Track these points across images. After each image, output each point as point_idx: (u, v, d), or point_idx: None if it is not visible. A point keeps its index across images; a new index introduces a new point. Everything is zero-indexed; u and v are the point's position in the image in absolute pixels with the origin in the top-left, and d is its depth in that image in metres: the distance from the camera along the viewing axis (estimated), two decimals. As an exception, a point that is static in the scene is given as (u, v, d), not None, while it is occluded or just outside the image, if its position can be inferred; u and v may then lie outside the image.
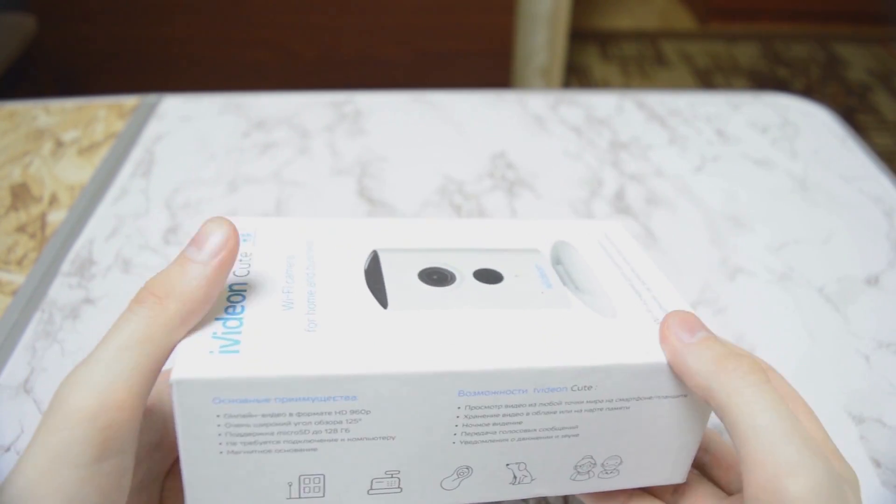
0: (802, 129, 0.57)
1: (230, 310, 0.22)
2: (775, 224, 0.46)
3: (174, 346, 0.20)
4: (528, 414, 0.22)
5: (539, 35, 1.66)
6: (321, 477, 0.21)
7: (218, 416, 0.19)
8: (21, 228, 0.45)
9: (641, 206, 0.48)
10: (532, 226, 0.30)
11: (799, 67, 2.15)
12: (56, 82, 1.43)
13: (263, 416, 0.19)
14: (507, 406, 0.21)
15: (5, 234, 0.44)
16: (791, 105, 0.60)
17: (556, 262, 0.27)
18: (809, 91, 2.00)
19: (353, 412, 0.20)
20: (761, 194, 0.49)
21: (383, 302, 0.23)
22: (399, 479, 0.22)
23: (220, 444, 0.20)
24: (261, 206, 0.47)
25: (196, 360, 0.19)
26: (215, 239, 0.21)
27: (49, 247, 0.43)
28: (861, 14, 2.35)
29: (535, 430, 0.22)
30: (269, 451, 0.20)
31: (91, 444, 0.17)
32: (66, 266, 0.42)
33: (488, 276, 0.26)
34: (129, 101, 0.58)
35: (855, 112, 1.91)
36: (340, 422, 0.20)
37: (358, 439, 0.20)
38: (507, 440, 0.22)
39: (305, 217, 0.28)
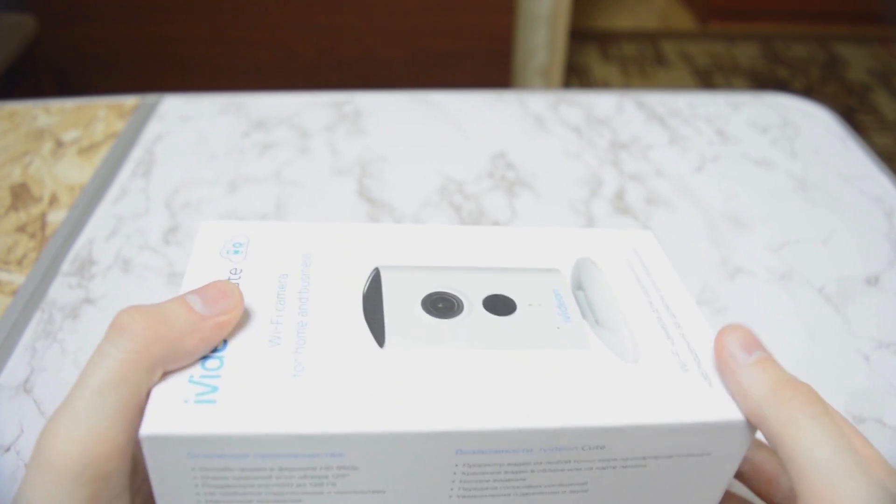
0: (802, 129, 0.57)
1: (209, 365, 0.20)
2: (775, 224, 0.46)
3: (153, 385, 0.19)
4: (532, 472, 0.20)
5: (539, 35, 1.66)
6: None
7: (194, 469, 0.18)
8: (21, 228, 0.45)
9: (641, 206, 0.48)
10: (554, 235, 0.27)
11: (799, 67, 2.15)
12: (56, 82, 1.43)
13: (243, 469, 0.18)
14: (509, 464, 0.20)
15: (5, 234, 0.44)
16: (791, 105, 0.60)
17: (578, 286, 0.25)
18: (809, 91, 2.00)
19: (339, 468, 0.19)
20: (761, 194, 0.49)
21: (380, 337, 0.21)
22: None
23: (198, 494, 0.19)
24: (261, 206, 0.47)
25: (169, 412, 0.18)
26: (225, 302, 0.20)
27: (49, 247, 0.43)
28: (861, 14, 2.35)
29: (539, 486, 0.21)
30: (251, 502, 0.19)
31: (80, 499, 0.17)
32: (66, 266, 0.42)
33: (499, 306, 0.23)
34: (129, 101, 0.58)
35: (855, 112, 1.91)
36: (326, 476, 0.19)
37: (346, 492, 0.19)
38: (509, 495, 0.21)
39: (304, 223, 0.26)
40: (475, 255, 0.26)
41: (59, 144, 0.53)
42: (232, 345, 0.20)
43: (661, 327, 0.23)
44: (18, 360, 0.36)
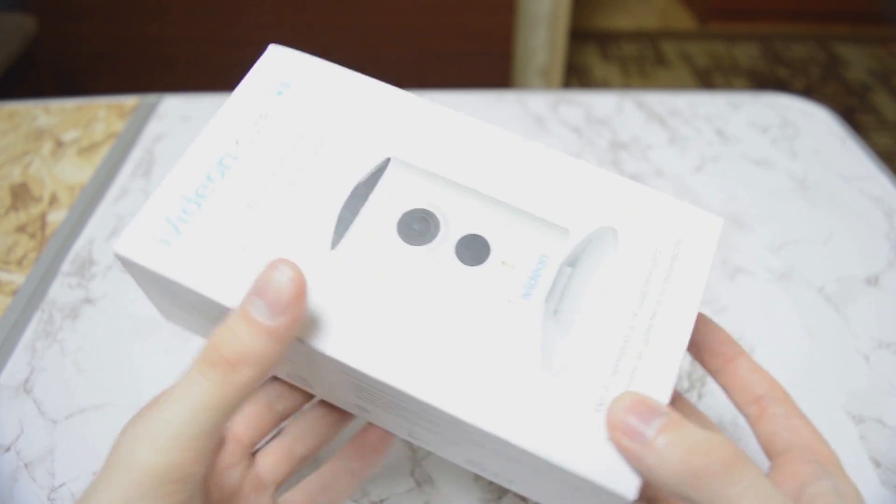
0: (802, 129, 0.57)
1: (200, 190, 0.22)
2: (775, 224, 0.46)
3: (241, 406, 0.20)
4: (421, 420, 0.21)
5: (539, 35, 1.66)
6: None
7: (156, 283, 0.22)
8: (21, 228, 0.45)
9: (641, 206, 0.48)
10: (612, 183, 0.23)
11: (799, 67, 2.15)
12: (56, 82, 1.43)
13: (185, 299, 0.22)
14: (402, 404, 0.20)
15: (5, 234, 0.44)
16: (791, 105, 0.60)
17: (573, 260, 0.21)
18: (809, 91, 2.00)
19: None
20: (761, 194, 0.49)
21: (337, 239, 0.21)
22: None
23: (163, 297, 0.23)
24: (261, 206, 0.47)
25: (138, 239, 0.21)
26: (283, 294, 0.19)
27: (49, 247, 0.43)
28: (861, 14, 2.35)
29: (408, 410, 0.20)
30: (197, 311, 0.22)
31: (157, 501, 0.18)
32: (66, 266, 0.42)
33: (472, 250, 0.21)
34: (129, 101, 0.58)
35: (855, 112, 1.91)
36: None
37: None
38: (386, 407, 0.21)
39: (363, 79, 0.24)
40: (506, 176, 0.22)
41: (59, 144, 0.53)
42: (215, 196, 0.22)
43: (619, 350, 0.20)
44: (18, 360, 0.36)
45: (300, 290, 0.19)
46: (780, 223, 0.47)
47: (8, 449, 0.31)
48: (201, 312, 0.22)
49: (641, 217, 0.22)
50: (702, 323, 0.24)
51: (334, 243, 0.21)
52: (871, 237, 0.45)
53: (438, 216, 0.22)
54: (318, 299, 0.20)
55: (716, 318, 0.39)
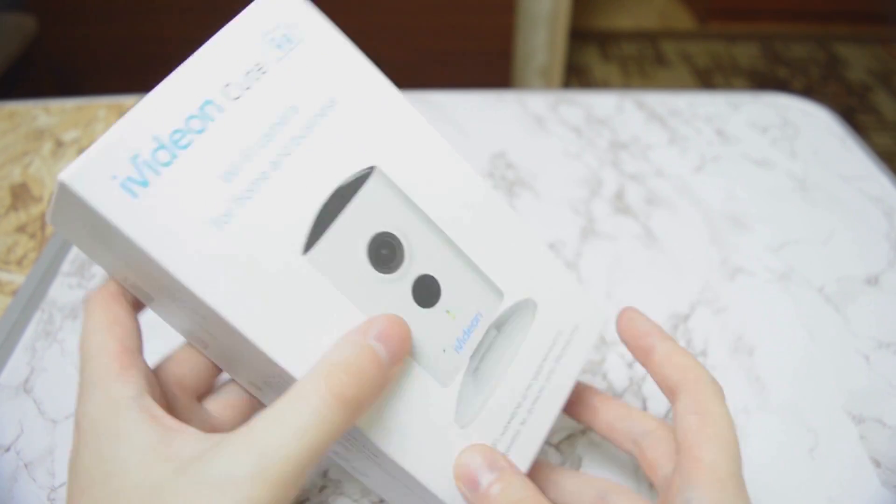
0: (802, 129, 0.57)
1: (179, 135, 0.19)
2: (775, 224, 0.46)
3: None
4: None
5: (539, 35, 1.66)
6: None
7: (89, 230, 0.19)
8: (21, 228, 0.45)
9: (641, 206, 0.48)
10: (546, 257, 0.25)
11: (799, 67, 2.15)
12: (56, 82, 1.43)
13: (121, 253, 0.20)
14: None
15: (5, 234, 0.44)
16: (791, 105, 0.60)
17: (500, 324, 0.24)
18: (809, 91, 2.00)
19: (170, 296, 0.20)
20: (761, 194, 0.49)
21: (310, 243, 0.20)
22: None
23: (81, 244, 0.21)
24: (261, 206, 0.47)
25: (95, 175, 0.18)
26: (401, 347, 0.20)
27: (49, 247, 0.43)
28: (861, 14, 2.35)
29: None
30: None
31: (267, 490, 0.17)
32: (66, 266, 0.42)
33: (426, 292, 0.22)
34: (129, 101, 0.58)
35: (855, 112, 1.91)
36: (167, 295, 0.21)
37: (181, 307, 0.21)
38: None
39: (362, 58, 0.23)
40: (468, 219, 0.24)
41: (59, 144, 0.53)
42: (191, 154, 0.19)
43: (511, 415, 0.23)
44: (18, 360, 0.36)
45: (408, 349, 0.21)
46: (780, 223, 0.47)
47: (8, 449, 0.31)
48: (136, 270, 0.20)
49: (556, 297, 0.25)
50: (628, 315, 0.26)
51: (307, 247, 0.20)
52: (871, 237, 0.45)
53: (405, 247, 0.22)
54: (282, 303, 0.20)
55: (716, 318, 0.39)
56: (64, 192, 0.18)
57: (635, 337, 0.25)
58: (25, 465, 0.31)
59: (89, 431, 0.19)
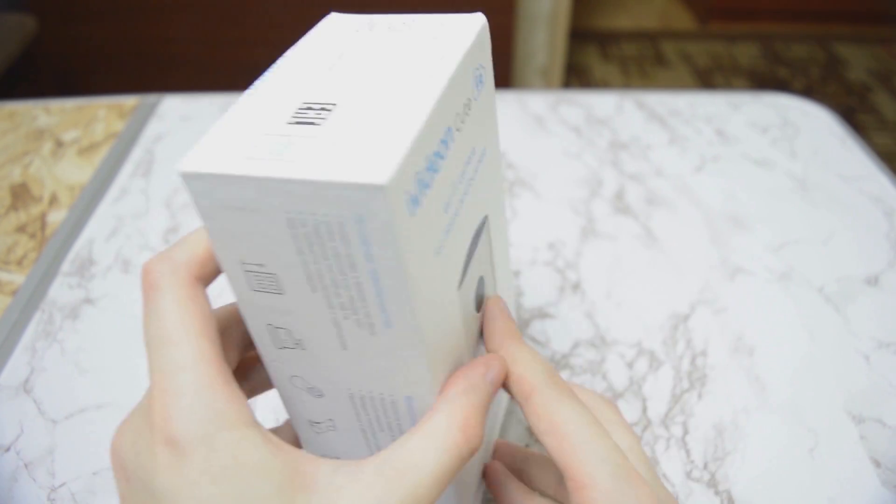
0: (802, 129, 0.57)
1: (436, 158, 0.19)
2: (775, 224, 0.46)
3: None
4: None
5: (539, 35, 1.66)
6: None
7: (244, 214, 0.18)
8: (21, 228, 0.45)
9: (641, 206, 0.48)
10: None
11: (799, 67, 2.15)
12: (56, 82, 1.43)
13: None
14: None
15: (5, 234, 0.44)
16: (791, 105, 0.60)
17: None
18: (809, 91, 2.00)
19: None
20: (761, 194, 0.49)
21: (461, 280, 0.22)
22: None
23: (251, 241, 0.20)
24: (261, 206, 0.47)
25: (396, 191, 0.17)
26: (500, 385, 0.22)
27: (49, 247, 0.43)
28: (861, 14, 2.35)
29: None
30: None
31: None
32: (66, 266, 0.42)
33: (480, 302, 0.25)
34: (129, 101, 0.58)
35: (855, 112, 1.91)
36: None
37: None
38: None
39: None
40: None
41: (59, 144, 0.53)
42: (438, 179, 0.19)
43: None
44: (18, 360, 0.36)
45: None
46: (780, 223, 0.47)
47: (8, 449, 0.31)
48: (331, 279, 0.19)
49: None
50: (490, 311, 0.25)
51: (459, 283, 0.22)
52: (871, 237, 0.45)
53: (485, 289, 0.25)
54: (442, 332, 0.21)
55: (716, 319, 0.39)
56: (358, 198, 0.16)
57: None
58: (25, 465, 0.31)
59: (197, 452, 0.16)
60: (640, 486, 0.20)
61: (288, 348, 0.21)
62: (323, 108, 0.19)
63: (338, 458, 0.24)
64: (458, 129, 0.20)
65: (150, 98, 0.59)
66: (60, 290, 0.40)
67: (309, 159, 0.17)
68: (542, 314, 0.39)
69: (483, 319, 0.25)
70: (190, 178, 0.17)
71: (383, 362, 0.21)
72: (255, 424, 0.17)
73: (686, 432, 0.33)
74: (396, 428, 0.23)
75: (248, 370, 0.24)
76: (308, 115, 0.19)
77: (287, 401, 0.23)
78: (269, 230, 0.18)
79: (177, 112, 0.57)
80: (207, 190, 0.17)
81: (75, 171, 0.50)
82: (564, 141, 0.55)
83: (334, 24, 0.24)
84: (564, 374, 0.36)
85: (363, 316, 0.20)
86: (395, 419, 0.22)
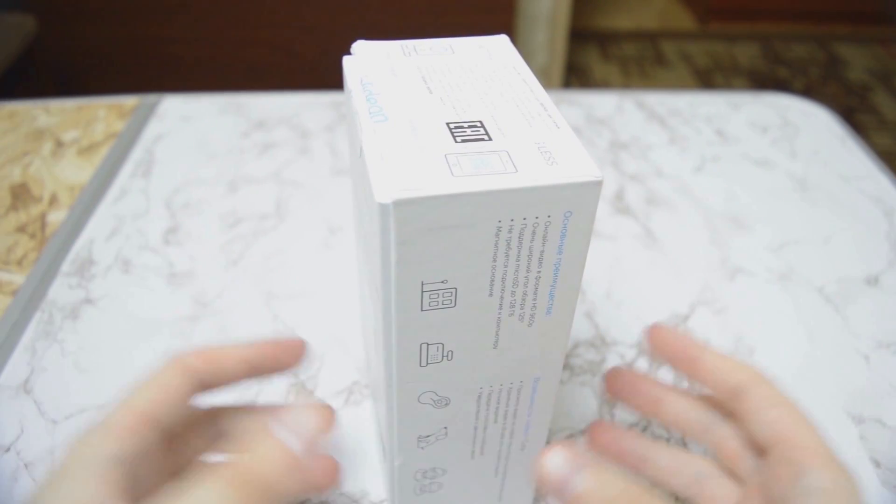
0: (802, 129, 0.57)
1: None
2: (775, 224, 0.46)
3: None
4: None
5: (539, 35, 1.66)
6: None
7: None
8: (21, 228, 0.45)
9: (641, 206, 0.48)
10: None
11: (799, 67, 2.15)
12: (56, 82, 1.43)
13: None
14: None
15: (5, 234, 0.44)
16: (791, 105, 0.60)
17: None
18: (809, 91, 2.00)
19: None
20: (761, 194, 0.49)
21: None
22: None
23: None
24: (261, 206, 0.47)
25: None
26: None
27: (49, 247, 0.43)
28: (861, 14, 2.35)
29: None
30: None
31: None
32: (66, 266, 0.42)
33: None
34: (129, 101, 0.58)
35: (855, 112, 1.91)
36: None
37: None
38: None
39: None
40: None
41: (59, 144, 0.53)
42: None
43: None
44: (18, 360, 0.36)
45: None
46: (780, 223, 0.47)
47: (8, 449, 0.31)
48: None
49: None
50: (661, 332, 0.25)
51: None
52: (871, 237, 0.45)
53: None
54: None
55: (716, 319, 0.39)
56: (574, 195, 0.18)
57: (675, 351, 0.25)
58: (25, 465, 0.31)
59: (63, 459, 0.20)
60: (849, 473, 0.21)
61: (434, 363, 0.21)
62: (472, 126, 0.20)
63: (436, 466, 0.25)
64: None
65: (150, 98, 0.59)
66: (60, 290, 0.40)
67: (519, 169, 0.18)
68: (542, 314, 0.39)
69: (655, 341, 0.25)
70: (400, 206, 0.17)
71: (526, 351, 0.22)
72: (107, 474, 0.19)
73: (686, 432, 0.33)
74: (511, 415, 0.24)
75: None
76: (467, 133, 0.20)
77: (401, 423, 0.23)
78: (472, 243, 0.19)
79: (177, 112, 0.57)
80: (417, 214, 0.18)
81: (75, 171, 0.50)
82: (564, 141, 0.55)
83: (374, 52, 0.24)
84: (564, 374, 0.36)
85: (528, 309, 0.21)
86: (515, 406, 0.24)
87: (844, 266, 0.43)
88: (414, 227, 0.18)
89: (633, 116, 0.58)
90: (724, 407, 0.24)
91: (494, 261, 0.19)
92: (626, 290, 0.41)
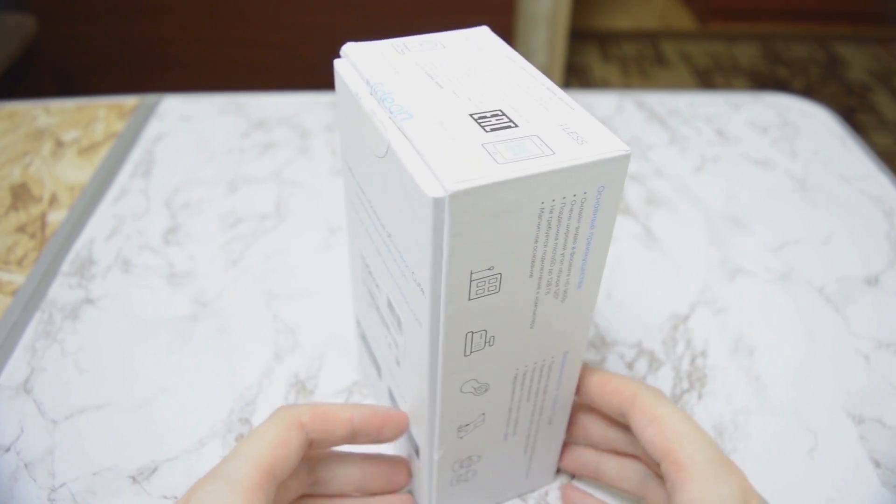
0: (802, 129, 0.57)
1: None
2: (775, 224, 0.46)
3: None
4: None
5: (539, 35, 1.66)
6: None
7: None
8: (21, 228, 0.45)
9: (641, 206, 0.48)
10: None
11: (799, 67, 2.15)
12: (56, 82, 1.43)
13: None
14: None
15: (5, 234, 0.44)
16: (791, 105, 0.60)
17: None
18: (809, 91, 2.00)
19: None
20: (761, 194, 0.49)
21: None
22: None
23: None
24: (261, 206, 0.47)
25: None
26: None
27: (49, 247, 0.43)
28: (861, 14, 2.35)
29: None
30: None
31: None
32: (66, 266, 0.42)
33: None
34: (129, 101, 0.58)
35: (855, 112, 1.91)
36: None
37: None
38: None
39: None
40: None
41: (59, 144, 0.53)
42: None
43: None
44: (18, 360, 0.36)
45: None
46: (780, 223, 0.47)
47: (8, 449, 0.31)
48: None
49: None
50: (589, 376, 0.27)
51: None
52: (871, 237, 0.45)
53: None
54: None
55: (716, 319, 0.39)
56: (607, 170, 0.19)
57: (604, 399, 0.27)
58: (25, 465, 0.31)
59: None
60: (734, 471, 0.22)
61: (477, 351, 0.22)
62: (494, 115, 0.21)
63: (472, 454, 0.26)
64: None
65: (150, 98, 0.59)
66: (60, 290, 0.40)
67: (556, 151, 0.19)
68: (542, 314, 0.39)
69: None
70: (457, 198, 0.18)
71: (558, 327, 0.23)
72: None
73: (686, 432, 0.33)
74: (542, 392, 0.25)
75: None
76: (492, 122, 0.20)
77: (443, 416, 0.24)
78: (518, 227, 0.19)
79: (177, 112, 0.57)
80: (472, 204, 0.18)
81: (75, 171, 0.50)
82: (564, 141, 0.55)
83: (368, 52, 0.24)
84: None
85: (562, 285, 0.22)
86: (546, 382, 0.25)
87: (844, 266, 0.43)
88: (468, 217, 0.18)
89: (633, 116, 0.58)
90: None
91: (536, 241, 0.20)
92: (627, 290, 0.41)
